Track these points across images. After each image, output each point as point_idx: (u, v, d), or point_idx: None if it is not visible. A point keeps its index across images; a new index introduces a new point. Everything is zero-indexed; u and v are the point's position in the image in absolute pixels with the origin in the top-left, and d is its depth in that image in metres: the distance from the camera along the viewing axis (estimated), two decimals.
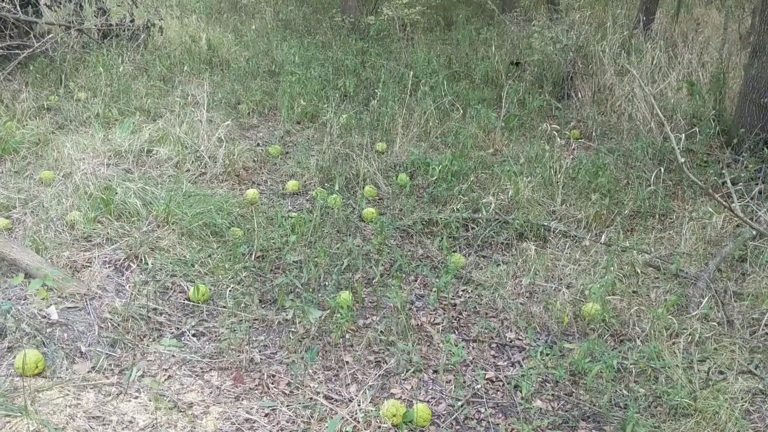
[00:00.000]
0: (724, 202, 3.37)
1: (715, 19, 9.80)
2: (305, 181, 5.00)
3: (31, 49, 6.09)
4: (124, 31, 7.39)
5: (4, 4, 6.22)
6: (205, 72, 6.98)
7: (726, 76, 6.31)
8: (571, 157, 4.98)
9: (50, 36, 6.39)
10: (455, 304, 3.60)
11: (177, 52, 7.49)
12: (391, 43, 9.07)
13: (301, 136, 5.95)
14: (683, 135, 4.18)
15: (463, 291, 3.72)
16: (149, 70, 6.88)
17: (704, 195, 4.53)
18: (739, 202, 3.99)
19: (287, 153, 5.57)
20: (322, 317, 3.15)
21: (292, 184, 4.88)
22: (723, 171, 4.44)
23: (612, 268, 3.60)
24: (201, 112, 5.36)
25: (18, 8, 6.38)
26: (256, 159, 5.29)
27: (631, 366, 2.98)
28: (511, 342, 3.29)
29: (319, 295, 3.50)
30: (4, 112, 5.42)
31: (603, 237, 4.01)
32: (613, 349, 3.10)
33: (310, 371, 2.94)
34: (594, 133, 6.04)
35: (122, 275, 3.52)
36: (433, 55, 8.06)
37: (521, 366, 3.10)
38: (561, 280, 3.72)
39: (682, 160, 3.36)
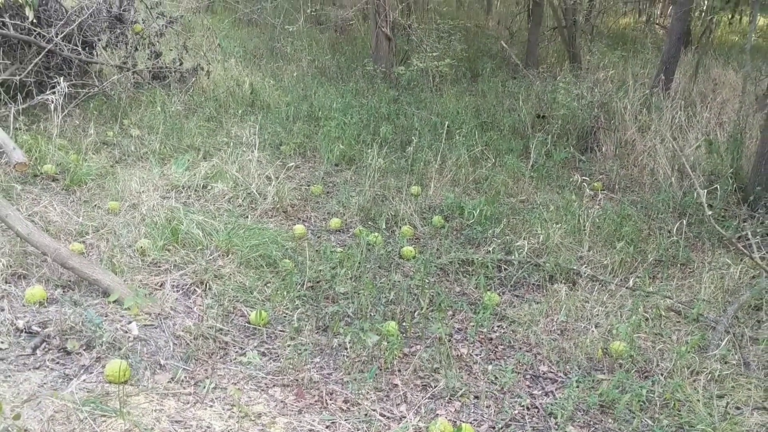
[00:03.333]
0: (746, 251, 3.68)
1: (732, 80, 10.22)
2: (346, 220, 5.36)
3: (96, 88, 6.55)
4: (173, 73, 7.88)
5: (69, 45, 6.70)
6: (250, 114, 7.42)
7: (743, 135, 6.68)
8: (597, 207, 5.32)
9: (113, 77, 6.85)
10: (491, 338, 3.91)
11: (222, 95, 7.95)
12: (420, 92, 9.53)
13: (339, 177, 6.34)
14: (704, 191, 4.52)
15: (498, 326, 4.04)
16: (198, 111, 7.33)
17: (725, 246, 4.84)
18: (758, 253, 4.31)
19: (328, 192, 5.95)
20: (378, 343, 3.45)
21: (335, 222, 5.24)
22: (744, 224, 4.76)
23: (638, 310, 3.90)
24: (252, 152, 5.75)
25: (80, 49, 6.86)
26: (300, 197, 5.67)
27: (656, 398, 3.27)
28: (544, 374, 3.59)
29: (368, 323, 3.82)
30: (69, 145, 5.84)
31: (630, 282, 4.31)
32: (639, 383, 3.39)
33: (363, 392, 3.25)
34: (617, 186, 6.39)
35: (189, 298, 3.86)
36: (461, 105, 8.49)
37: (554, 396, 3.39)
38: (590, 320, 4.03)
39: (710, 212, 3.69)
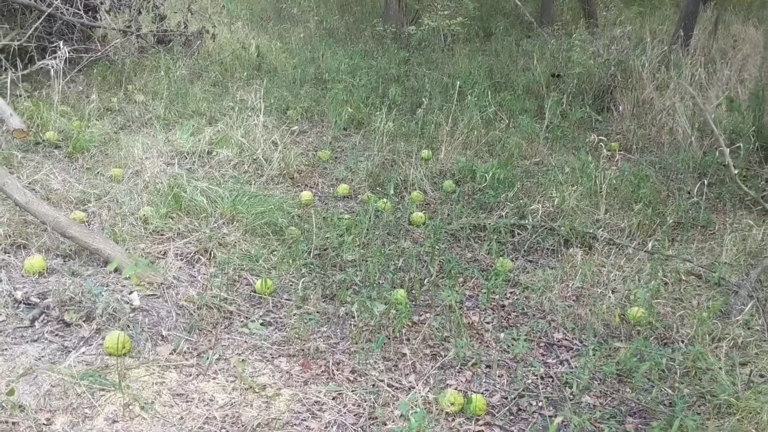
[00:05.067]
0: None
1: (753, 36, 9.89)
2: (355, 186, 5.22)
3: (98, 53, 6.40)
4: (179, 36, 7.70)
5: (70, 9, 6.54)
6: (256, 78, 7.26)
7: (765, 92, 6.43)
8: (614, 168, 5.14)
9: (115, 42, 6.69)
10: (504, 305, 3.78)
11: (228, 59, 7.78)
12: (431, 52, 9.30)
13: (348, 142, 6.19)
14: (727, 150, 4.33)
15: (511, 293, 3.91)
16: (203, 75, 7.17)
17: (747, 207, 4.67)
18: None
19: (336, 158, 5.81)
20: (386, 311, 3.34)
21: (342, 188, 5.10)
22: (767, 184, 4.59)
23: (657, 275, 3.76)
24: (257, 117, 5.61)
25: (82, 13, 6.70)
26: (307, 163, 5.53)
27: (677, 366, 3.14)
28: (558, 342, 3.47)
29: (375, 292, 3.71)
30: (72, 112, 5.72)
31: (649, 246, 4.16)
32: (658, 350, 3.26)
33: (371, 361, 3.15)
34: (634, 146, 6.19)
35: (193, 267, 3.76)
36: (474, 66, 8.27)
37: (569, 364, 3.28)
38: (606, 285, 3.88)
39: (735, 171, 3.52)
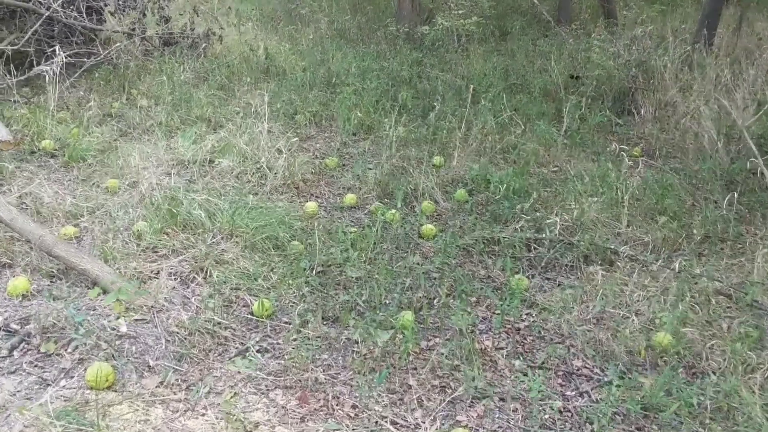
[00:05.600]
0: None
1: None
2: (363, 195, 4.98)
3: (99, 57, 6.21)
4: (184, 39, 7.50)
5: (71, 12, 6.35)
6: (264, 82, 7.04)
7: None
8: (637, 177, 4.85)
9: (116, 45, 6.50)
10: (519, 328, 3.53)
11: (235, 61, 7.57)
12: (445, 53, 9.03)
13: (357, 148, 5.95)
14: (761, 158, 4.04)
15: (527, 314, 3.65)
16: (209, 78, 6.96)
17: None
18: None
19: (344, 165, 5.57)
20: (391, 338, 3.10)
21: (349, 198, 4.86)
22: None
23: (685, 297, 3.49)
24: (262, 123, 5.38)
25: (84, 16, 6.52)
26: (314, 171, 5.30)
27: (707, 401, 2.87)
28: (578, 370, 3.20)
29: (381, 313, 3.47)
30: (70, 118, 5.53)
31: (676, 264, 3.87)
32: (686, 383, 2.99)
33: (374, 394, 2.91)
34: (657, 152, 5.90)
35: (188, 287, 3.54)
36: (489, 67, 7.99)
37: (590, 396, 3.02)
38: (629, 306, 3.61)
39: None
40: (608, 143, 6.02)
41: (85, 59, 6.28)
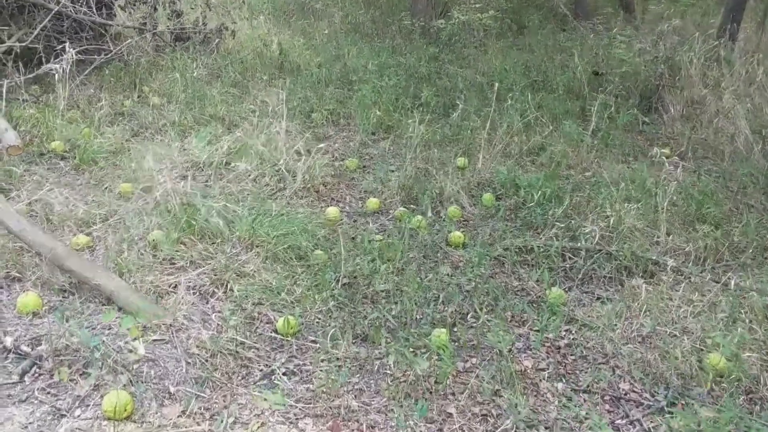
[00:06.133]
0: None
1: None
2: (385, 199, 4.76)
3: (110, 53, 5.99)
4: (197, 34, 7.29)
5: (80, 7, 6.14)
6: (278, 79, 6.82)
7: None
8: (676, 181, 4.62)
9: (128, 41, 6.29)
10: (559, 347, 3.31)
11: (249, 57, 7.35)
12: (462, 48, 8.80)
13: (377, 148, 5.73)
14: None
15: (566, 331, 3.43)
16: (222, 75, 6.74)
17: None
18: None
19: (365, 167, 5.35)
20: (430, 366, 2.89)
21: (372, 203, 4.65)
22: None
23: (739, 315, 3.27)
24: (279, 123, 5.17)
25: (94, 11, 6.31)
26: (333, 173, 5.08)
27: None
28: (626, 395, 2.99)
29: (413, 330, 3.26)
30: (81, 118, 5.33)
31: (732, 282, 3.63)
32: (747, 412, 2.77)
33: (411, 423, 2.70)
34: (689, 153, 5.66)
35: (207, 303, 3.34)
36: (508, 63, 7.75)
37: (641, 425, 2.80)
38: (675, 323, 3.40)
39: None
40: (638, 144, 5.80)
41: (95, 56, 6.07)
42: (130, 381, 2.70)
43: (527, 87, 6.68)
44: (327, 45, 8.41)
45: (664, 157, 4.46)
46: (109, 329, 3.01)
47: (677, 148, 5.91)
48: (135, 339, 2.90)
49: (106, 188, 4.39)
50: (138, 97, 6.15)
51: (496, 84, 5.56)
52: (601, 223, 4.21)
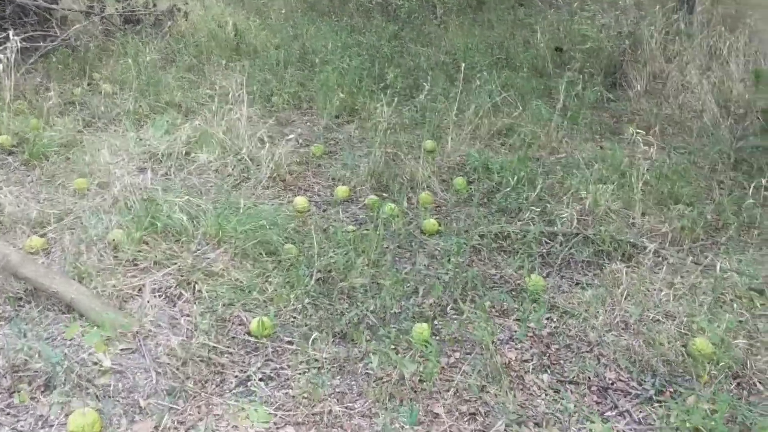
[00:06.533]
0: None
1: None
2: (355, 187, 4.61)
3: (57, 39, 5.67)
4: (147, 16, 6.98)
5: None
6: (236, 61, 6.57)
7: None
8: (648, 161, 4.56)
9: (75, 27, 5.96)
10: (542, 336, 3.23)
11: (203, 39, 7.07)
12: (422, 25, 8.63)
13: (342, 132, 5.56)
14: None
15: (548, 319, 3.35)
16: (177, 59, 6.47)
17: None
18: None
19: (331, 152, 5.18)
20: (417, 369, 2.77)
21: (341, 191, 4.49)
22: None
23: (721, 297, 3.23)
24: (240, 109, 4.95)
25: None
26: (299, 161, 4.90)
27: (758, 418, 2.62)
28: (613, 384, 2.93)
29: (393, 326, 3.15)
30: (28, 109, 5.03)
31: (710, 261, 3.60)
32: (736, 399, 2.74)
33: (397, 426, 2.59)
34: (656, 129, 5.62)
35: (174, 306, 3.16)
36: (471, 41, 7.62)
37: (631, 416, 2.74)
38: (657, 307, 3.35)
39: None
40: (605, 122, 5.76)
41: (40, 42, 5.74)
42: (97, 397, 2.52)
43: (492, 65, 6.56)
44: (284, 25, 8.14)
45: (639, 138, 4.38)
46: (71, 340, 2.82)
47: (642, 124, 5.87)
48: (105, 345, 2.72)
49: (59, 185, 4.14)
50: (88, 84, 5.86)
51: (463, 64, 5.41)
52: (577, 205, 4.13)
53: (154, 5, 7.15)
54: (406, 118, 5.36)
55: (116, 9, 6.84)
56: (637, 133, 4.52)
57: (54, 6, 6.24)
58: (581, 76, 6.16)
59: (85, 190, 4.06)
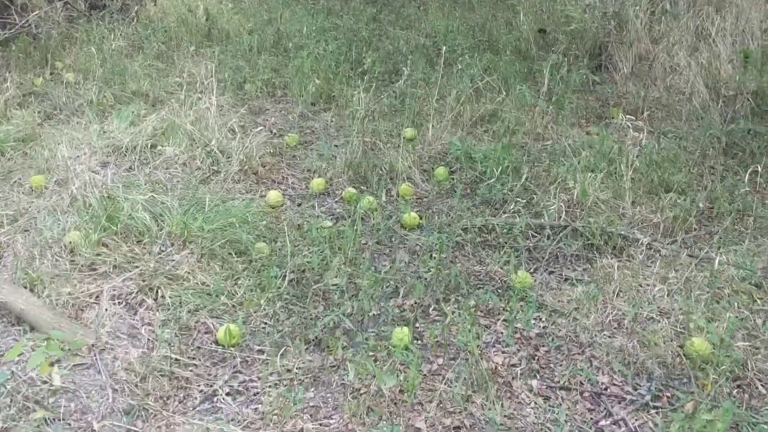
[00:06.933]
0: None
1: None
2: (331, 178, 4.39)
3: (16, 26, 5.36)
4: (113, 1, 6.67)
5: None
6: (206, 48, 6.29)
7: None
8: (638, 146, 4.36)
9: (35, 13, 5.66)
10: (530, 338, 3.04)
11: (173, 25, 6.77)
12: (401, 7, 8.37)
13: (318, 121, 5.32)
14: None
15: (536, 319, 3.16)
16: (144, 46, 6.18)
17: None
18: None
19: (306, 142, 4.95)
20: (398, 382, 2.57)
21: (317, 183, 4.27)
22: None
23: (721, 295, 3.05)
24: (209, 97, 4.70)
25: None
26: (272, 152, 4.66)
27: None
28: (606, 389, 2.74)
29: (371, 330, 2.95)
30: None
31: (707, 253, 3.42)
32: (737, 404, 2.56)
33: None
34: (643, 113, 5.42)
35: (135, 314, 2.93)
36: (452, 23, 7.38)
37: (627, 426, 2.56)
38: (651, 304, 3.16)
39: None
40: (591, 105, 5.56)
41: None
42: (45, 420, 2.30)
43: (473, 48, 6.32)
44: (258, 9, 7.86)
45: (629, 124, 4.18)
46: (19, 355, 2.58)
47: (629, 107, 5.68)
48: (52, 363, 2.49)
49: (14, 183, 3.88)
50: (51, 74, 5.57)
51: (444, 48, 5.18)
52: (564, 196, 3.94)
53: None
54: (385, 105, 5.12)
55: None
56: (626, 118, 4.31)
57: None
58: (566, 59, 5.95)
59: (43, 188, 3.80)
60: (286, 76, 5.98)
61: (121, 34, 6.20)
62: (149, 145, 4.37)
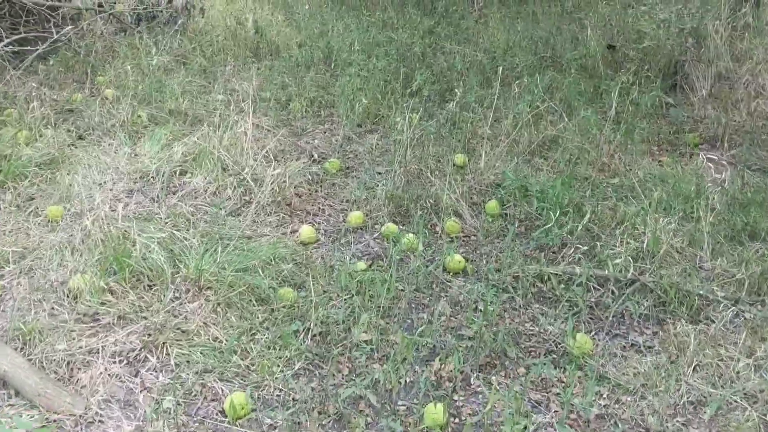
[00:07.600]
0: None
1: None
2: (370, 211, 4.01)
3: (54, 40, 5.17)
4: (161, 13, 6.47)
5: None
6: (252, 63, 6.01)
7: None
8: (720, 186, 3.83)
9: (70, 27, 5.47)
10: (588, 421, 2.58)
11: (220, 38, 6.53)
12: (460, 19, 7.96)
13: (363, 144, 4.95)
14: None
15: (596, 394, 2.70)
16: (188, 61, 5.94)
17: None
18: None
19: (348, 168, 4.58)
20: None
21: (355, 217, 3.89)
22: None
23: None
24: (246, 121, 4.38)
25: None
26: (310, 180, 4.31)
27: None
28: None
29: (401, 404, 2.55)
30: (17, 119, 4.55)
31: None
32: None
33: None
34: (725, 142, 4.86)
35: (136, 375, 2.60)
36: (512, 37, 6.92)
37: None
38: (733, 383, 2.66)
39: None
40: (663, 131, 5.03)
41: (39, 43, 5.27)
42: None
43: (534, 66, 5.86)
44: (310, 21, 7.57)
45: (711, 165, 3.66)
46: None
47: (707, 133, 5.12)
48: None
49: (31, 212, 3.63)
50: (91, 90, 5.37)
51: (500, 68, 4.74)
52: (632, 242, 3.45)
53: (170, 1, 6.65)
54: (433, 132, 4.69)
55: (129, 4, 6.35)
56: (698, 147, 3.79)
57: (57, 3, 5.77)
58: (635, 78, 5.41)
59: (59, 219, 3.54)
60: (332, 93, 5.64)
61: (165, 49, 5.98)
62: (177, 172, 4.08)
